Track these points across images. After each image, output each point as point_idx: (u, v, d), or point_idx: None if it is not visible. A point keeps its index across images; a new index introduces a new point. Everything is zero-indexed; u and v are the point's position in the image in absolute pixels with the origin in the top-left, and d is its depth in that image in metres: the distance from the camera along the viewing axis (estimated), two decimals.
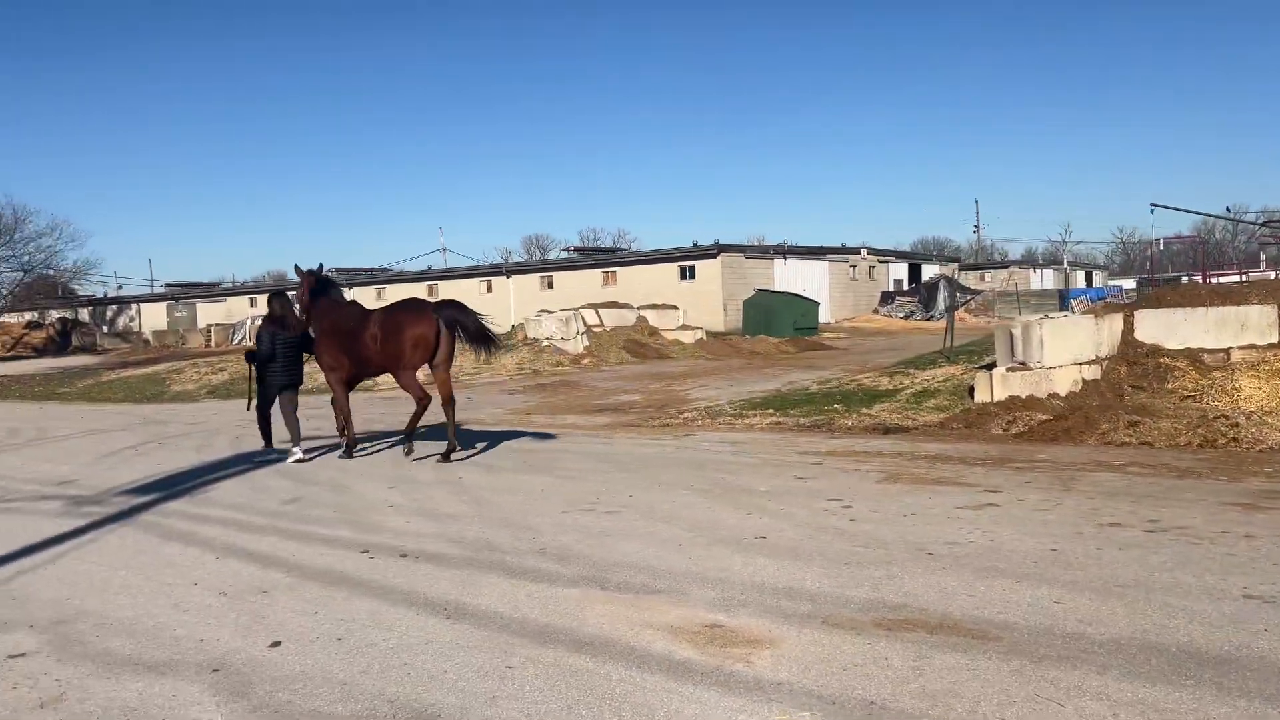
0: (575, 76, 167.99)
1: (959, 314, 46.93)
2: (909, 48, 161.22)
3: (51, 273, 48.67)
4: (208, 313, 63.73)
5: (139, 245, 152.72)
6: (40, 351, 54.04)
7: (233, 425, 15.16)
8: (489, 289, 52.48)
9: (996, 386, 12.23)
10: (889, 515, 6.63)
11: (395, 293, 55.78)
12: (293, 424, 10.95)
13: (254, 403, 11.18)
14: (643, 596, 5.02)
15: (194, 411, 18.60)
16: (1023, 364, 12.28)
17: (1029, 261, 74.68)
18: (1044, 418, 10.95)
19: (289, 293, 11.68)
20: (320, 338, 11.00)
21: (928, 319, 45.87)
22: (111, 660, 4.44)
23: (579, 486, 8.31)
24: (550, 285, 49.69)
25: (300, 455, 10.68)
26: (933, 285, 48.51)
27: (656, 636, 4.41)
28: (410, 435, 10.51)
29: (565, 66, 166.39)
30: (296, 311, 11.28)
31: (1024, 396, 11.80)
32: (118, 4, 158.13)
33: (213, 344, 51.43)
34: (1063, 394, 11.79)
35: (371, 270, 64.71)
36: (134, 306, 67.79)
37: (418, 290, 54.73)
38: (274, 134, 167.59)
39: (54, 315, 58.68)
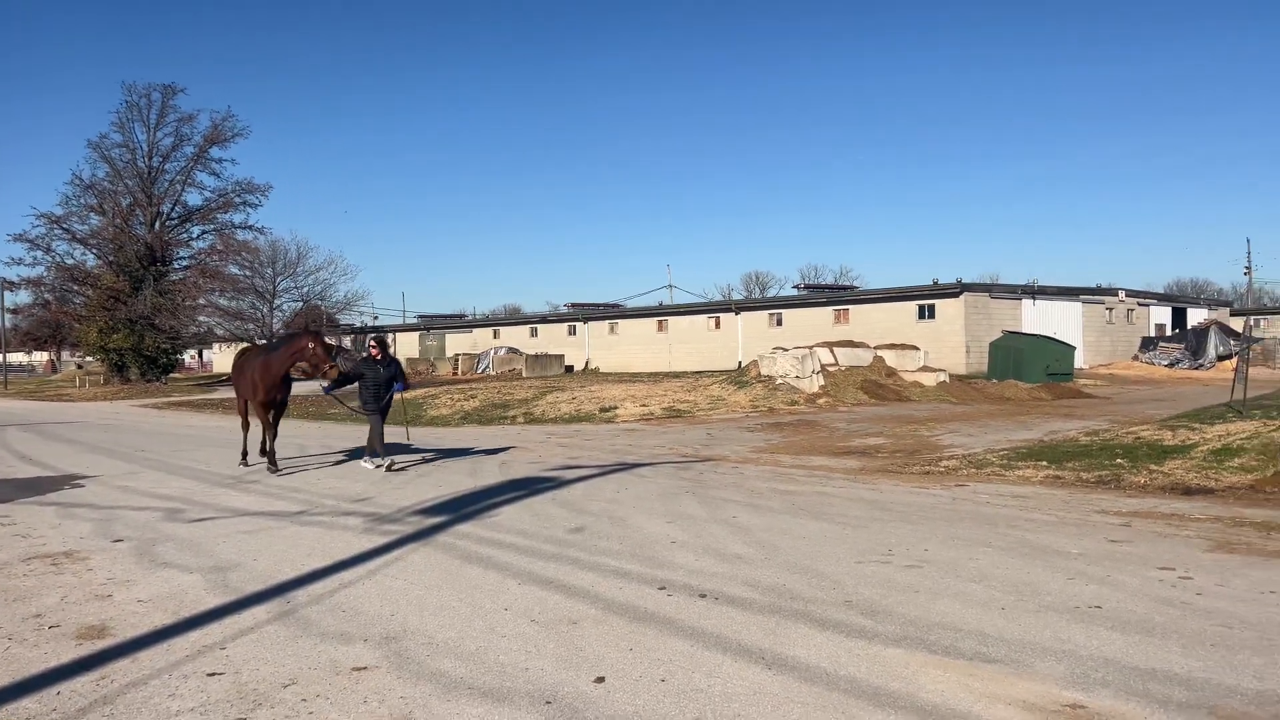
0: (802, 112, 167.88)
1: (1230, 364, 42.42)
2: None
3: (322, 304, 53.74)
4: (456, 342, 68.06)
5: (394, 279, 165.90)
6: (309, 376, 59.55)
7: (496, 452, 15.88)
8: (717, 325, 52.77)
9: None
10: (1242, 591, 5.85)
11: (625, 328, 57.30)
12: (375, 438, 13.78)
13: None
14: (978, 664, 4.62)
15: (455, 436, 19.67)
16: None
17: None
18: None
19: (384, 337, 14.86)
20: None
21: (1196, 367, 41.82)
22: (447, 682, 4.55)
23: (863, 535, 7.95)
24: (779, 322, 49.28)
25: (373, 466, 13.46)
26: (1202, 331, 44.24)
27: (1012, 712, 4.01)
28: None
29: (790, 104, 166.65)
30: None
31: None
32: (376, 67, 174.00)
33: (459, 372, 54.70)
34: None
35: (601, 306, 66.82)
36: (390, 336, 73.45)
37: (649, 325, 55.97)
38: (511, 174, 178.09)
39: None
